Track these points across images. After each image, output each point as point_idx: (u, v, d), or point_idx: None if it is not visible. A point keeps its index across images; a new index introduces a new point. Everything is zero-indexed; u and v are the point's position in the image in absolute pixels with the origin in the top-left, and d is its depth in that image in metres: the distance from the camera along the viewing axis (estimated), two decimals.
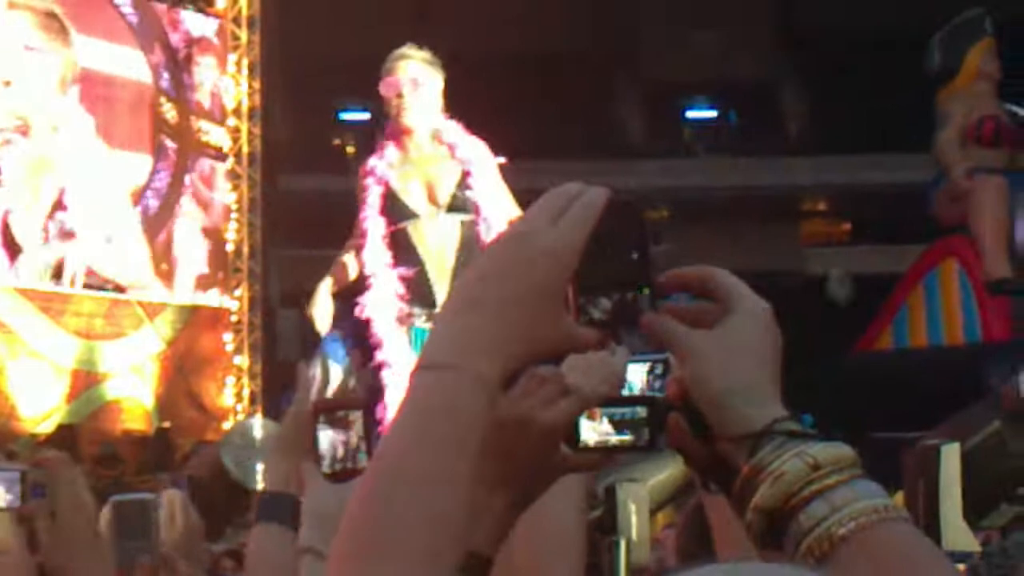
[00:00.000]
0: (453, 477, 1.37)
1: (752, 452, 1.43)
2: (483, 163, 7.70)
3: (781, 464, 1.41)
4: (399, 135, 7.72)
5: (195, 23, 17.27)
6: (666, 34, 24.78)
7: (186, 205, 17.07)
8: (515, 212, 7.45)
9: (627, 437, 1.71)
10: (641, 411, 1.70)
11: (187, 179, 17.06)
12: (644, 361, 1.80)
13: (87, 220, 15.68)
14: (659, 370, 1.78)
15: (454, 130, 7.74)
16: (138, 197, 16.50)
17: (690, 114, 25.60)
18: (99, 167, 15.98)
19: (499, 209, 7.56)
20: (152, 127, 16.79)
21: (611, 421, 1.73)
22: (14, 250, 15.14)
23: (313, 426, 2.55)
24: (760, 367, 1.48)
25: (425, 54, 7.75)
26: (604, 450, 1.73)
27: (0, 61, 15.28)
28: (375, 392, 7.34)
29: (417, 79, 7.62)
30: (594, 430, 1.72)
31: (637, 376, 1.81)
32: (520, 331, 1.41)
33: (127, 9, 16.52)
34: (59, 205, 15.51)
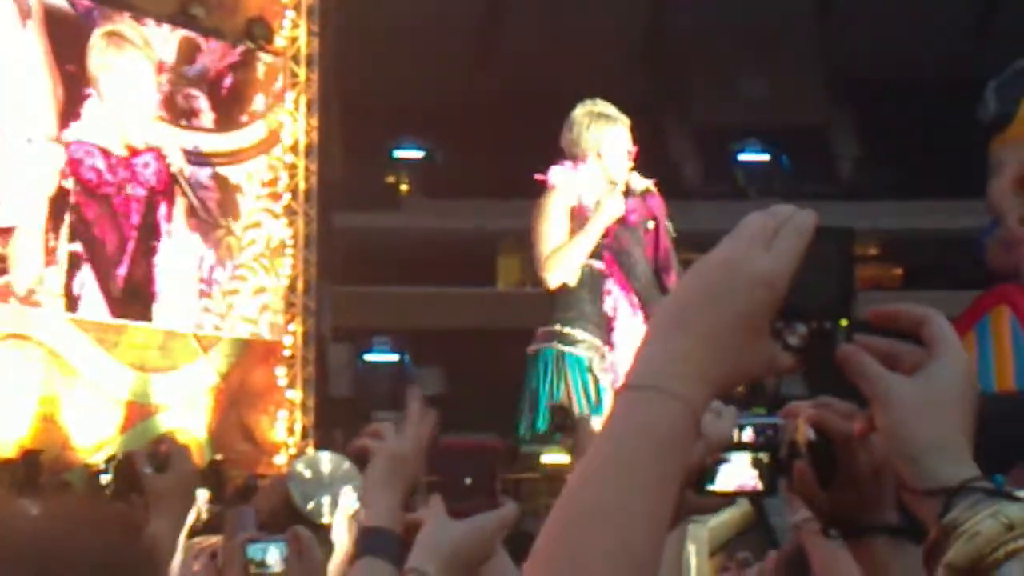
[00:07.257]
0: (645, 499, 1.33)
1: (946, 509, 1.42)
2: None
3: (976, 523, 1.40)
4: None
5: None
6: (718, 79, 24.85)
7: None
8: None
9: (748, 483, 1.75)
10: (764, 457, 1.74)
11: None
12: (750, 426, 1.82)
13: None
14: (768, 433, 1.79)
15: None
16: None
17: (743, 157, 25.61)
18: None
19: None
20: None
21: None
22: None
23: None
24: (959, 422, 1.46)
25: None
26: (726, 494, 1.78)
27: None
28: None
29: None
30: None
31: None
32: (728, 357, 1.38)
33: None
34: None
